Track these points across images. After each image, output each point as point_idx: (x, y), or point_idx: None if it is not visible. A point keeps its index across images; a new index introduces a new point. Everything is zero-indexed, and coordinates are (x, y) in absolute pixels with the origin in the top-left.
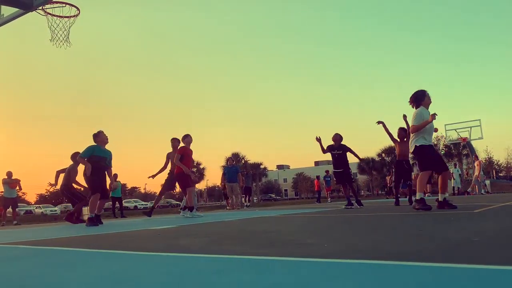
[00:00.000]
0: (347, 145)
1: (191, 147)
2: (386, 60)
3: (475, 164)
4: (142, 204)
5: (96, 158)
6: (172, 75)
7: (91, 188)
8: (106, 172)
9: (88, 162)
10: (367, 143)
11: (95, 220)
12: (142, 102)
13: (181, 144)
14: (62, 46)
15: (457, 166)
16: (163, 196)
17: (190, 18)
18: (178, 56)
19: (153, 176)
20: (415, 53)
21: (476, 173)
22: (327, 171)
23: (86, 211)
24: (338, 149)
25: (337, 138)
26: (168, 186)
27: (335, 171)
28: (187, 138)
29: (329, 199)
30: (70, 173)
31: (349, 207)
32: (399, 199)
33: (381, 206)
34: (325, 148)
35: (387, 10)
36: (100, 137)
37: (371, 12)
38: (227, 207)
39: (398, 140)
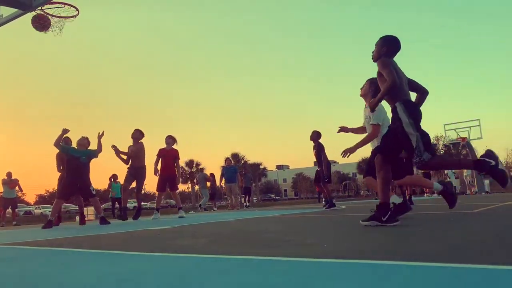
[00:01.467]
0: (324, 145)
1: (177, 148)
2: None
3: None
4: (142, 204)
5: (69, 157)
6: (171, 75)
7: (58, 191)
8: (84, 170)
9: (65, 160)
10: None
11: (51, 224)
12: (143, 102)
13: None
14: (55, 32)
15: None
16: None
17: (189, 18)
18: (178, 56)
19: (115, 149)
20: (414, 52)
21: (465, 173)
22: None
23: (86, 212)
24: (314, 147)
25: (312, 136)
26: (129, 183)
27: None
28: (166, 139)
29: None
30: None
31: (329, 208)
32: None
33: None
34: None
35: (386, 7)
36: (78, 141)
37: (371, 10)
38: (214, 209)
39: None
